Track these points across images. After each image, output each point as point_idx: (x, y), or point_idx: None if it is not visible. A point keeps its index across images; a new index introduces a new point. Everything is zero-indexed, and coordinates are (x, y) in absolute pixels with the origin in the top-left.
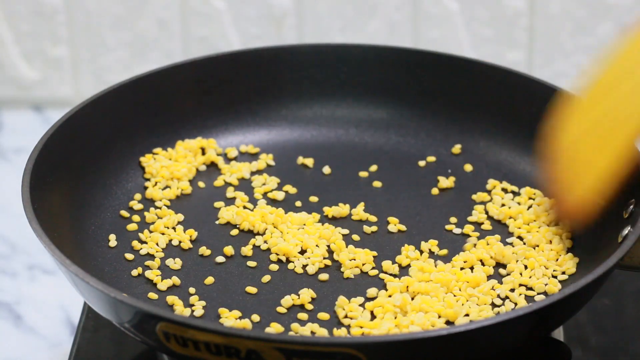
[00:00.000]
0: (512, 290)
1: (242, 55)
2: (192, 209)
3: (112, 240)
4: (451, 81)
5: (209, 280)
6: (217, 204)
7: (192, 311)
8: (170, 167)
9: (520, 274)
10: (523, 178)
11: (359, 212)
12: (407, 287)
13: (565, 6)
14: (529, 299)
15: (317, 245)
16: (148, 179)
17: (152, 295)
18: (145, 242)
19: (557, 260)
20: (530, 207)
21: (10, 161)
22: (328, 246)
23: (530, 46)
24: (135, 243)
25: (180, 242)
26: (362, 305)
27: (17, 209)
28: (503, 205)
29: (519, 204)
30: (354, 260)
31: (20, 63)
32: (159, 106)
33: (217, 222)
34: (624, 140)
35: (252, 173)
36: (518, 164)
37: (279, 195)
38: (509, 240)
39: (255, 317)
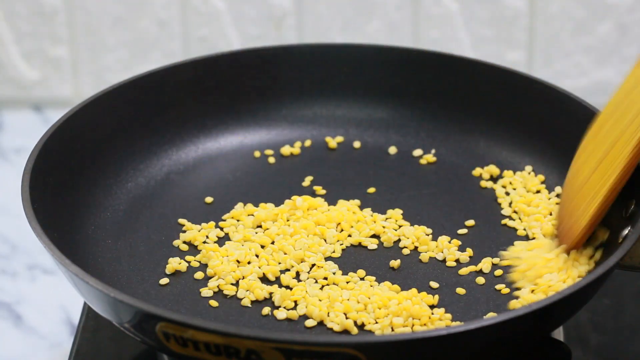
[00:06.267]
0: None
1: (242, 55)
2: None
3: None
4: (451, 81)
5: None
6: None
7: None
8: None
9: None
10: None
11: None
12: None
13: (565, 6)
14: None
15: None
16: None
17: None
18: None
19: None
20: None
21: (10, 161)
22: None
23: (530, 46)
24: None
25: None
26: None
27: (17, 209)
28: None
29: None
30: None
31: (20, 63)
32: (159, 106)
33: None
34: (620, 168)
35: None
36: (518, 164)
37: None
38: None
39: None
